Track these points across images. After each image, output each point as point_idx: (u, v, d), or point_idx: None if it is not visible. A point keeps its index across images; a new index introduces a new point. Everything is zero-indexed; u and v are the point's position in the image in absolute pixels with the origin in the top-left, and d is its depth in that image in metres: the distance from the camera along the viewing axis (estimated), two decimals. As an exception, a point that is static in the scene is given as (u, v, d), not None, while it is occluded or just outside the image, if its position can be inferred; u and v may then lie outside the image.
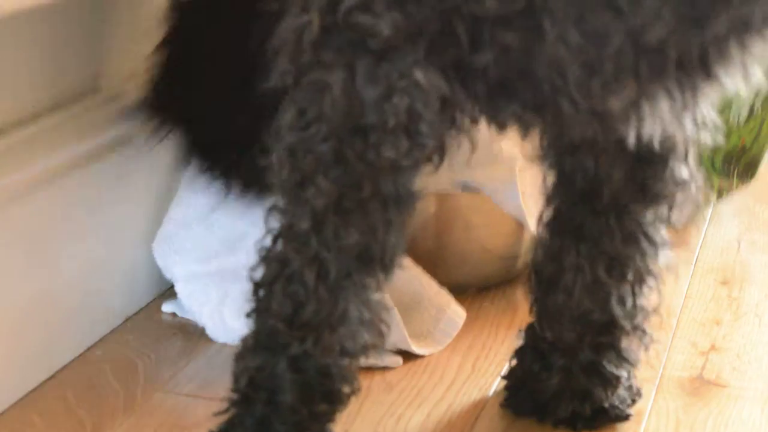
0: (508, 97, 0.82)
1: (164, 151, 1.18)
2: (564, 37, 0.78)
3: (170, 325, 1.16)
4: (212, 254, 1.16)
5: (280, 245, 0.86)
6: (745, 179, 1.45)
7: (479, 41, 0.80)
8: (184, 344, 1.12)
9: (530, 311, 1.00)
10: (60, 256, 1.06)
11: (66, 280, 1.07)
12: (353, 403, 1.01)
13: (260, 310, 0.87)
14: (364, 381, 1.06)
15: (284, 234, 0.85)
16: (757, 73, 0.85)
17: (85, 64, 1.12)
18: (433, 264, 1.18)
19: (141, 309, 1.18)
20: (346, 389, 0.88)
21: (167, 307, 1.19)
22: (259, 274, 0.87)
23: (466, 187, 1.19)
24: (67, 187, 1.06)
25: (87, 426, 0.98)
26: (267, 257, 0.87)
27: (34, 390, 1.03)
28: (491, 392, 1.05)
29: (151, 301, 1.19)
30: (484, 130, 1.13)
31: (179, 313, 1.18)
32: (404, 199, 0.83)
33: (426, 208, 1.20)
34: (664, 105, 0.82)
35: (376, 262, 0.84)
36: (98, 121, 1.11)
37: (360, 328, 0.86)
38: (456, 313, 1.16)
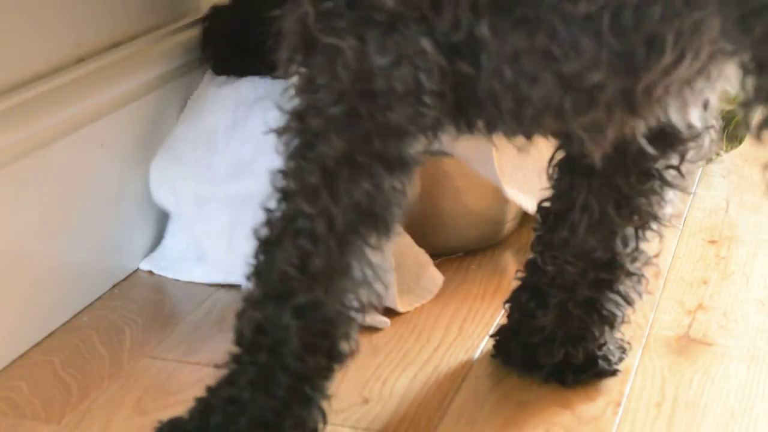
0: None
1: (154, 115, 1.18)
2: (498, 73, 0.81)
3: (157, 290, 1.16)
4: (221, 178, 1.16)
5: (285, 205, 0.88)
6: (735, 141, 1.45)
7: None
8: (170, 310, 1.13)
9: (531, 248, 1.01)
10: (46, 222, 1.06)
11: (52, 246, 1.07)
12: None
13: (267, 264, 0.89)
14: (351, 344, 1.07)
15: (293, 191, 0.87)
16: (694, 112, 0.90)
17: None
18: (420, 228, 1.18)
19: (128, 275, 1.18)
20: (344, 346, 0.89)
21: (144, 265, 1.19)
22: (264, 232, 0.89)
23: (441, 153, 1.19)
24: (54, 150, 1.06)
25: (73, 391, 0.99)
26: (272, 217, 0.89)
27: (21, 356, 1.03)
28: (477, 354, 1.06)
29: (138, 267, 1.20)
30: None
31: (156, 271, 1.19)
32: (407, 163, 0.85)
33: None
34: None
35: (378, 220, 0.86)
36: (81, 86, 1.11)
37: (362, 286, 0.88)
38: (436, 271, 1.16)
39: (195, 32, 1.27)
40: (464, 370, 1.03)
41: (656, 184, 0.97)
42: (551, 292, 1.01)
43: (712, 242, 1.29)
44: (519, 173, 1.22)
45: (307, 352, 0.88)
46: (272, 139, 1.12)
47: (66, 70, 1.10)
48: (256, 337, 0.89)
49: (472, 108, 0.85)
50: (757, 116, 0.74)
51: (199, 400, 0.90)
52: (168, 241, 1.21)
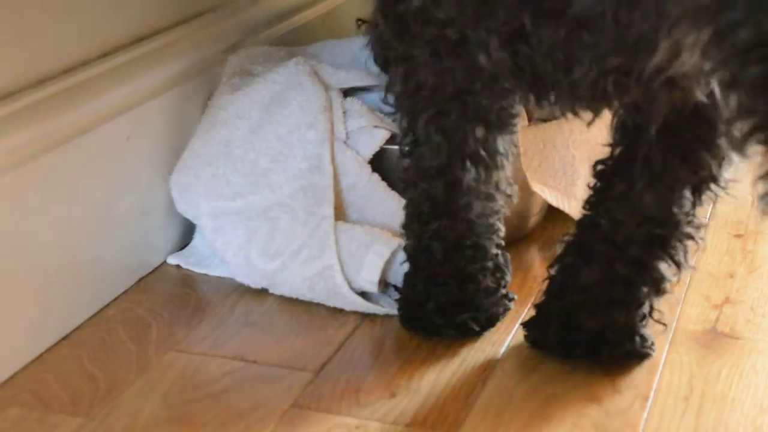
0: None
1: (180, 108, 1.18)
2: (548, 55, 0.87)
3: (183, 284, 1.16)
4: (237, 191, 1.16)
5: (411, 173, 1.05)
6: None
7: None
8: (196, 304, 1.13)
9: (584, 205, 1.03)
10: (73, 216, 1.07)
11: (79, 240, 1.08)
12: (366, 360, 1.02)
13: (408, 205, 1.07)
14: (376, 337, 1.07)
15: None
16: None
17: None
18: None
19: (154, 269, 1.18)
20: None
21: (172, 259, 1.20)
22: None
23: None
24: (80, 145, 1.07)
25: (101, 385, 0.99)
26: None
27: (49, 350, 1.04)
28: (504, 348, 1.05)
29: (164, 261, 1.20)
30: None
31: (183, 265, 1.19)
32: (505, 121, 1.02)
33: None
34: None
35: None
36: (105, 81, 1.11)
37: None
38: None
39: (216, 26, 1.27)
40: (491, 364, 1.03)
41: (722, 140, 0.97)
42: (600, 249, 1.01)
43: (738, 236, 1.28)
44: (545, 168, 1.22)
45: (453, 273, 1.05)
46: (287, 146, 1.14)
47: (90, 65, 1.11)
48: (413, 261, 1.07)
49: (540, 85, 0.91)
50: (739, 131, 0.73)
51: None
52: (196, 241, 1.21)
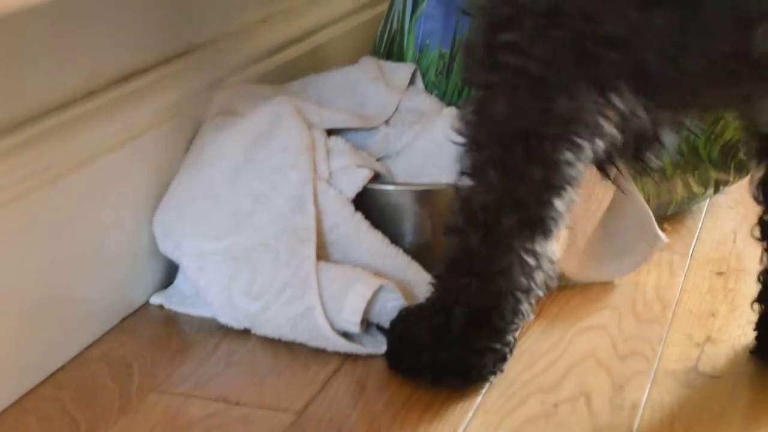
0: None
1: (166, 147, 1.19)
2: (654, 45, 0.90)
3: (166, 324, 1.16)
4: (221, 232, 1.16)
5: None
6: (742, 172, 1.45)
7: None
8: (179, 344, 1.13)
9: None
10: (55, 256, 1.07)
11: (64, 279, 1.08)
12: (349, 401, 1.02)
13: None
14: (359, 376, 1.07)
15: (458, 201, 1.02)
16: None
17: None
18: (431, 260, 1.17)
19: (137, 308, 1.18)
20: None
21: (155, 299, 1.20)
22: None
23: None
24: (65, 184, 1.07)
25: (82, 427, 0.98)
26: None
27: (30, 392, 1.03)
28: (485, 389, 1.05)
29: (146, 301, 1.20)
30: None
31: (166, 305, 1.19)
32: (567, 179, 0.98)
33: (419, 204, 1.20)
34: None
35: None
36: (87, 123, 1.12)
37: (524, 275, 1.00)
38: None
39: (202, 64, 1.28)
40: (473, 404, 1.03)
41: None
42: None
43: (720, 274, 1.29)
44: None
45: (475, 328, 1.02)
46: (271, 186, 1.14)
47: (76, 104, 1.11)
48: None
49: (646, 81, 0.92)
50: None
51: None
52: (180, 280, 1.21)
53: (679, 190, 1.38)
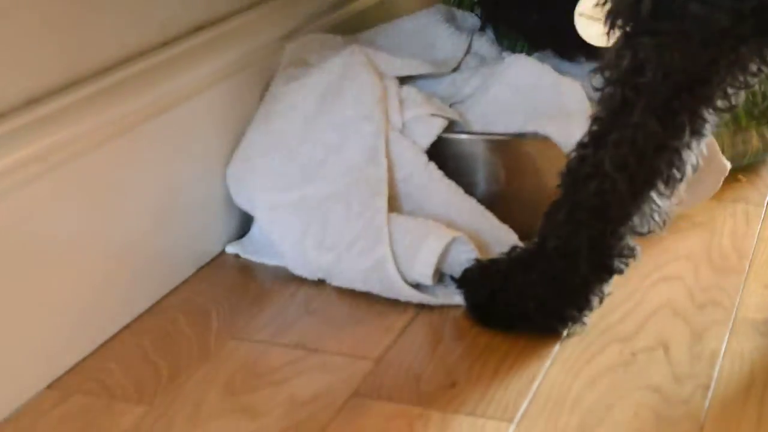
0: None
1: (239, 97, 1.19)
2: None
3: (242, 273, 1.17)
4: (293, 183, 1.16)
5: (597, 154, 1.01)
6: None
7: None
8: (256, 292, 1.13)
9: None
10: (132, 207, 1.08)
11: (141, 229, 1.08)
12: (426, 349, 1.03)
13: (570, 195, 1.03)
14: (436, 325, 1.07)
15: (604, 147, 1.01)
16: None
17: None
18: (503, 209, 1.18)
19: (213, 258, 1.19)
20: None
21: (231, 248, 1.20)
22: (574, 164, 1.03)
23: (536, 135, 1.18)
24: (140, 135, 1.07)
25: (163, 373, 1.00)
26: (584, 159, 1.02)
27: (111, 339, 1.05)
28: (563, 337, 1.05)
29: (222, 250, 1.20)
30: (553, 83, 1.17)
31: (242, 254, 1.20)
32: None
33: (494, 153, 1.20)
34: None
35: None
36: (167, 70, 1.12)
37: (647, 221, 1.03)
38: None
39: (274, 14, 1.28)
40: (551, 352, 1.03)
41: None
42: None
43: (797, 225, 1.28)
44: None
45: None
46: (343, 138, 1.14)
47: (151, 53, 1.11)
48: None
49: None
50: None
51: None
52: (255, 230, 1.22)
53: (755, 141, 1.37)
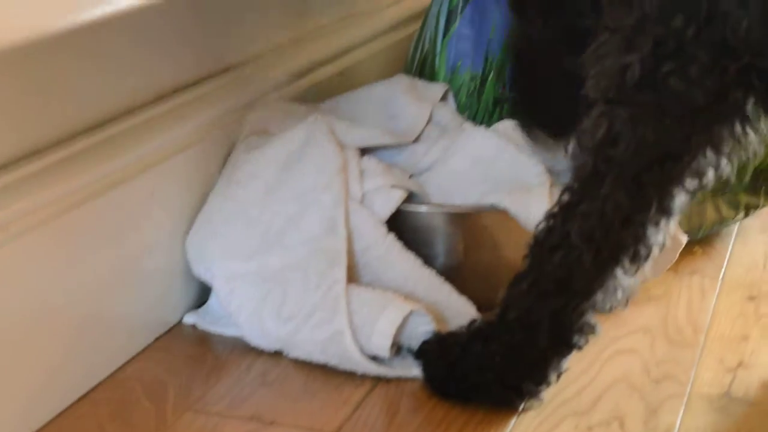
0: None
1: (202, 165, 1.19)
2: None
3: (200, 343, 1.17)
4: (253, 252, 1.17)
5: (565, 225, 1.01)
6: (772, 195, 1.45)
7: None
8: (214, 363, 1.13)
9: None
10: (90, 276, 1.07)
11: (100, 297, 1.08)
12: (383, 421, 1.03)
13: (535, 266, 1.03)
14: (392, 397, 1.07)
15: (572, 218, 1.01)
16: None
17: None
18: (462, 282, 1.18)
19: (171, 328, 1.19)
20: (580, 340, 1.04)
21: (188, 318, 1.20)
22: (542, 235, 1.03)
23: (494, 208, 1.19)
24: (101, 204, 1.08)
25: (119, 445, 0.99)
26: (552, 230, 1.02)
27: (68, 408, 1.04)
28: (522, 405, 1.06)
29: (180, 320, 1.20)
30: (512, 156, 1.18)
31: (200, 324, 1.19)
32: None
33: (453, 226, 1.21)
34: None
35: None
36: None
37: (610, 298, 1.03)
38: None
39: (237, 83, 1.29)
40: (509, 421, 1.03)
41: None
42: None
43: (752, 298, 1.29)
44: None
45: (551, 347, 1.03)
46: (303, 207, 1.15)
47: (116, 121, 1.12)
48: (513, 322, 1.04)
49: None
50: None
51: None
52: (212, 300, 1.22)
53: (710, 214, 1.38)
